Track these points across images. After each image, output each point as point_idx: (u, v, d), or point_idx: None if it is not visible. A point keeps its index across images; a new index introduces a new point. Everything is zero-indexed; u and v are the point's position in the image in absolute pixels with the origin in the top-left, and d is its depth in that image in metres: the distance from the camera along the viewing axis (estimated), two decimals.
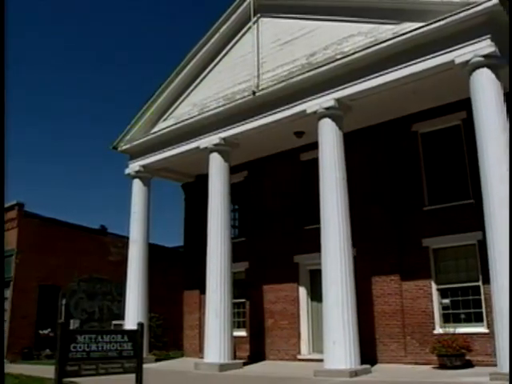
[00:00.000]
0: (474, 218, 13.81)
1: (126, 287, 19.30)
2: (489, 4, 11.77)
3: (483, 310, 14.00)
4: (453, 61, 12.47)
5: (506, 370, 10.11)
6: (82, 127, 64.94)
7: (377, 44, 13.60)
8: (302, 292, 17.92)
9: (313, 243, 15.04)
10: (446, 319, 14.71)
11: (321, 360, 13.73)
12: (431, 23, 12.66)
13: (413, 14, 13.27)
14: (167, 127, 18.94)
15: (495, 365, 11.07)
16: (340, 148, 14.37)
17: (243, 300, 19.36)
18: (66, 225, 26.08)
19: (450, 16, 12.32)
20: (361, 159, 16.51)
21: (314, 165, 15.34)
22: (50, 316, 23.83)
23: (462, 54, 12.32)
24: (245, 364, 16.48)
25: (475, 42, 12.16)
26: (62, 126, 63.04)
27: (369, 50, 13.71)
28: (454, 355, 13.28)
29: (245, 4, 17.02)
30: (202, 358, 17.19)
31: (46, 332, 23.25)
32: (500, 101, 11.89)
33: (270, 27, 16.56)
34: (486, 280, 12.44)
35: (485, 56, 12.00)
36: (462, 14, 12.16)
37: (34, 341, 22.95)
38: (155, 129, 19.69)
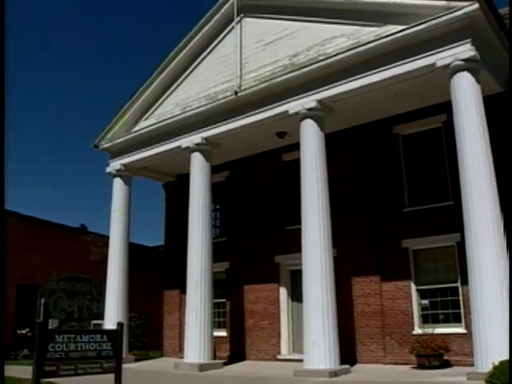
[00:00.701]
0: (453, 219, 13.96)
1: (105, 286, 19.17)
2: (469, 9, 11.90)
3: (461, 310, 14.15)
4: (434, 64, 12.59)
5: (483, 369, 10.22)
6: (66, 125, 64.35)
7: (359, 46, 13.66)
8: (283, 292, 17.95)
9: (294, 243, 15.08)
10: (425, 320, 14.84)
11: (301, 360, 13.77)
12: (413, 26, 12.76)
13: (395, 17, 13.36)
14: (149, 126, 18.83)
15: (472, 365, 11.20)
16: (322, 149, 14.43)
17: (224, 300, 19.33)
18: (45, 223, 25.84)
19: (432, 20, 12.43)
20: (342, 160, 16.58)
21: (295, 165, 15.36)
22: (29, 315, 23.55)
23: (443, 57, 12.44)
24: (225, 364, 16.46)
25: (456, 46, 12.28)
26: (48, 125, 62.54)
27: (351, 51, 13.77)
28: (433, 355, 13.41)
29: (228, 4, 16.97)
30: (181, 358, 17.13)
31: (23, 332, 22.99)
32: (480, 104, 12.05)
33: (253, 27, 16.55)
34: (465, 281, 12.56)
35: (465, 60, 12.13)
36: (443, 18, 12.28)
37: (11, 341, 22.68)
38: (137, 127, 19.57)
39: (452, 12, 12.15)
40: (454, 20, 12.20)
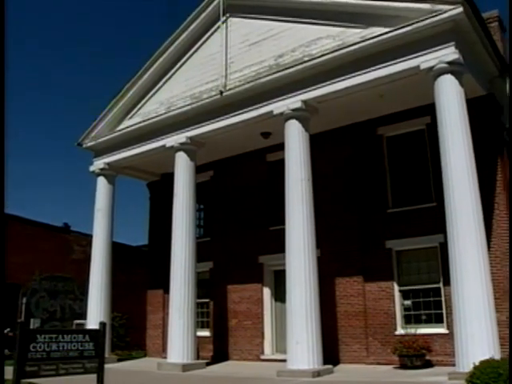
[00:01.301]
0: (436, 220, 14.08)
1: (88, 286, 19.03)
2: (453, 12, 11.99)
3: (443, 311, 14.27)
4: (418, 66, 12.67)
5: (464, 369, 10.31)
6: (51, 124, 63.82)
7: (344, 47, 13.70)
8: (266, 292, 17.96)
9: (277, 244, 15.12)
10: (408, 320, 14.95)
11: (284, 360, 13.78)
12: (398, 29, 12.83)
13: (380, 19, 13.41)
14: (133, 125, 18.72)
15: (454, 365, 11.30)
16: (306, 149, 14.45)
17: (207, 300, 19.30)
18: (28, 222, 25.58)
19: (416, 22, 12.50)
20: (327, 161, 16.64)
21: (280, 165, 15.39)
22: (10, 315, 23.32)
23: (427, 59, 12.53)
24: (208, 364, 16.44)
25: (440, 49, 12.37)
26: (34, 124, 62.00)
27: (336, 53, 13.80)
28: (415, 355, 13.51)
29: (214, 3, 16.93)
30: (165, 357, 17.07)
31: (5, 331, 22.76)
32: (463, 106, 12.16)
33: (239, 27, 16.53)
34: (447, 282, 12.66)
35: (449, 63, 12.22)
36: (427, 21, 12.36)
37: None
38: (121, 126, 19.45)
39: (436, 15, 12.23)
40: (439, 23, 12.28)
